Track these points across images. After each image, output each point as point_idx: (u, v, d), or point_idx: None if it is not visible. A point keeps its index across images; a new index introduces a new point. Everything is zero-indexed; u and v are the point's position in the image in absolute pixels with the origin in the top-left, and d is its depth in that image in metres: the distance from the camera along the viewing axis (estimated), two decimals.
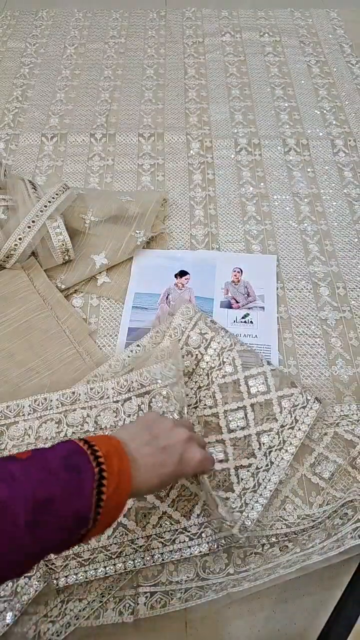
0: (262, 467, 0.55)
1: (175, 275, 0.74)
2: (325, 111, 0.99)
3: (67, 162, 0.90)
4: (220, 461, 0.56)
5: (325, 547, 0.47)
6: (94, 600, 0.49)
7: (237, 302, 0.72)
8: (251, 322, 0.69)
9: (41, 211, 0.70)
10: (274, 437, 0.56)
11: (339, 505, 0.52)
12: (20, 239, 0.69)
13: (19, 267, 0.71)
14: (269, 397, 0.59)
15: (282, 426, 0.57)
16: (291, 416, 0.57)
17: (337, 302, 0.72)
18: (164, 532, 0.52)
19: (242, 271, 0.75)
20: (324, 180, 0.88)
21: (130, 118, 0.98)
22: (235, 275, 0.74)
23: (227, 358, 0.62)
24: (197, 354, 0.62)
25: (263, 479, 0.54)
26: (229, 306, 0.71)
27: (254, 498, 0.53)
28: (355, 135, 0.95)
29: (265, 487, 0.54)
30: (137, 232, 0.75)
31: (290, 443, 0.56)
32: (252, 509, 0.52)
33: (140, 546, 0.50)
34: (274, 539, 0.52)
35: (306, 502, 0.55)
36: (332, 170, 0.89)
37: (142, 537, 0.51)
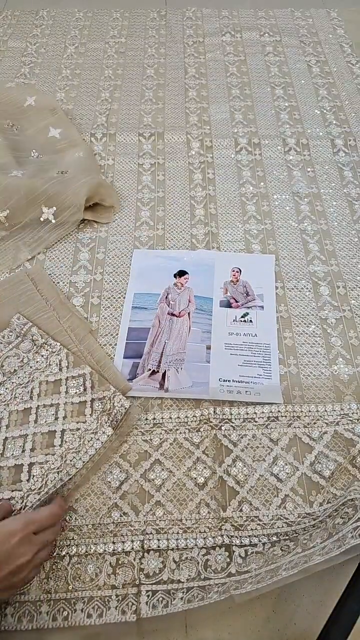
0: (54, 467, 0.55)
1: (175, 275, 0.74)
2: (325, 111, 0.99)
3: None
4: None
5: (327, 547, 0.46)
6: None
7: (237, 301, 0.72)
8: (250, 321, 0.70)
9: None
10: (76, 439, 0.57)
11: (339, 504, 0.52)
12: None
13: (24, 273, 0.73)
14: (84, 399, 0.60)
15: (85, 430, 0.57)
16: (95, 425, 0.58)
17: (337, 301, 0.72)
18: None
19: (240, 271, 0.75)
20: (324, 179, 0.88)
21: (130, 117, 0.98)
22: (234, 275, 0.74)
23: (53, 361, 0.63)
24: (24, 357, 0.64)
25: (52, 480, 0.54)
26: (228, 305, 0.71)
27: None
28: (355, 134, 0.95)
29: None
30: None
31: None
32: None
33: None
34: (274, 538, 0.52)
35: (306, 501, 0.55)
36: (332, 169, 0.89)
37: None
